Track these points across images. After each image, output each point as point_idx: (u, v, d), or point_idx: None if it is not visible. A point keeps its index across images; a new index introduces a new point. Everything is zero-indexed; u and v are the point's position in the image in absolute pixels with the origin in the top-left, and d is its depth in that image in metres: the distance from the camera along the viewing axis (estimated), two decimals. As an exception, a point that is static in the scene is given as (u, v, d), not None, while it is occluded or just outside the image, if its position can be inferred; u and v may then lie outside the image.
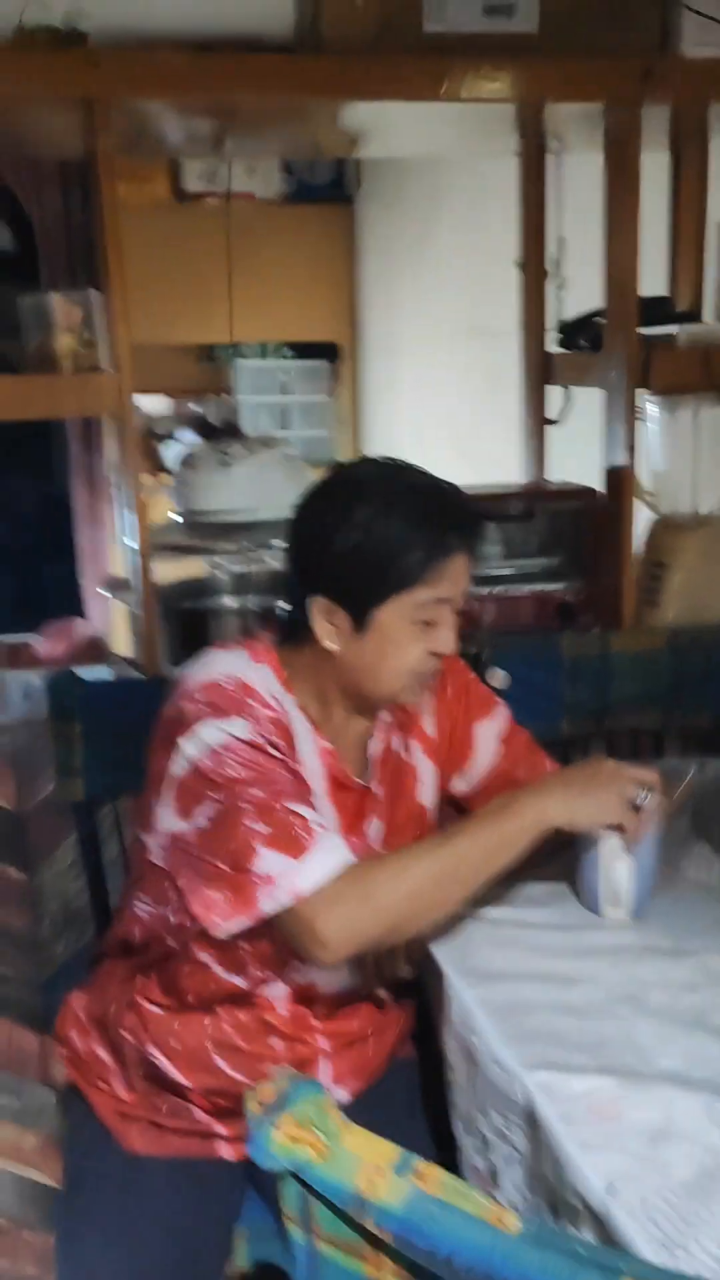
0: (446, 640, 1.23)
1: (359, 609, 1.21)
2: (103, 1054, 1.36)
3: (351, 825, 1.30)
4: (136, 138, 1.87)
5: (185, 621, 1.92)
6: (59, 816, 1.68)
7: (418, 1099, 1.36)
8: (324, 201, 4.47)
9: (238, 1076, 1.29)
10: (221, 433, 4.74)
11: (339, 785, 1.29)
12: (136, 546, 1.70)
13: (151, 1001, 1.31)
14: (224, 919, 1.15)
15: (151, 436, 4.69)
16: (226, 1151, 1.31)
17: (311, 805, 1.19)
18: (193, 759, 1.19)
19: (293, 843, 1.13)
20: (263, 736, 1.19)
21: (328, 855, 1.13)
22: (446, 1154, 1.20)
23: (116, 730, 1.59)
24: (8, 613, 5.58)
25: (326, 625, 1.23)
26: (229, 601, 2.02)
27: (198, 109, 1.68)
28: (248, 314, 4.51)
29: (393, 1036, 1.38)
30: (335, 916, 1.11)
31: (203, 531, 1.83)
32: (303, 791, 1.20)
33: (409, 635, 1.21)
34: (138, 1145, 1.30)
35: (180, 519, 1.89)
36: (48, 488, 6.14)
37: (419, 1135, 1.29)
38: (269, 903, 1.12)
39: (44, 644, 1.74)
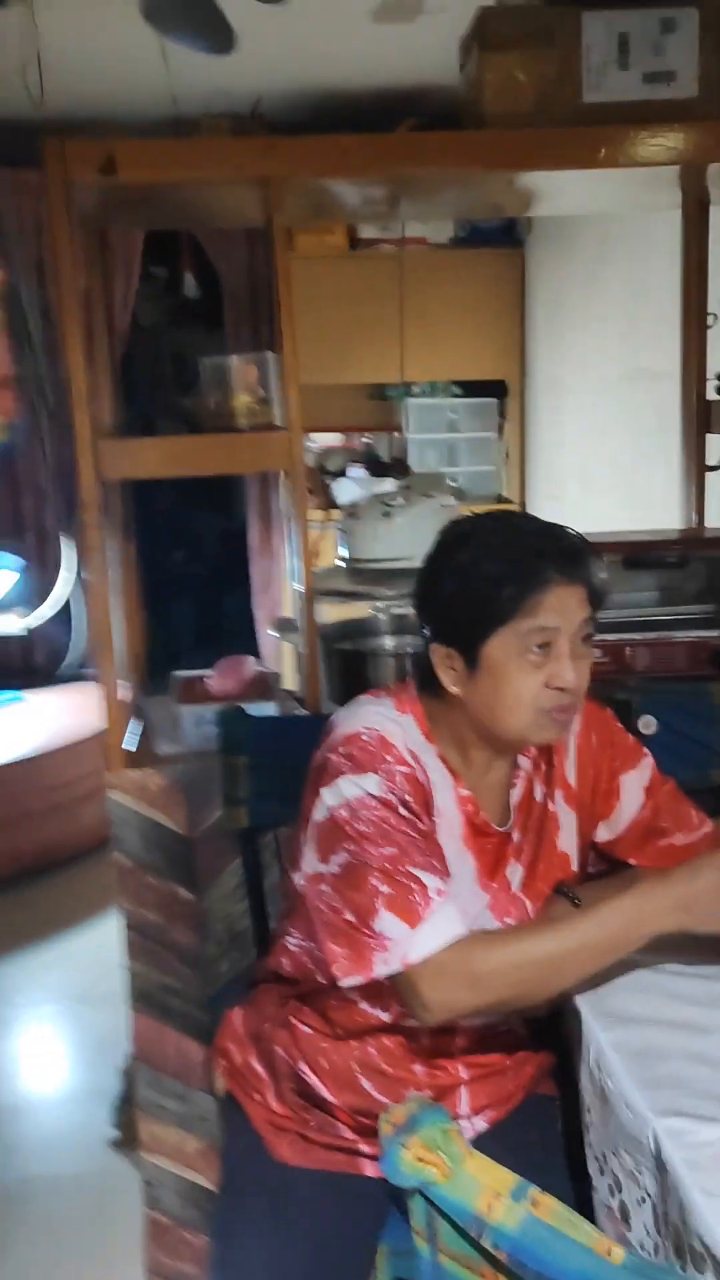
0: (562, 673, 1.25)
1: (468, 648, 1.27)
2: (258, 1067, 1.45)
3: (491, 871, 1.35)
4: (315, 208, 2.00)
5: (344, 661, 2.01)
6: (225, 842, 1.80)
7: (556, 1135, 1.39)
8: (495, 245, 4.55)
9: (382, 1098, 1.36)
10: (391, 469, 4.88)
11: (478, 831, 1.34)
12: (302, 590, 1.80)
13: (303, 1023, 1.40)
14: (343, 974, 1.24)
15: (324, 473, 4.86)
16: (371, 1169, 1.38)
17: (437, 867, 1.25)
18: (330, 809, 1.28)
19: (410, 909, 1.21)
20: (395, 794, 1.27)
21: (440, 927, 1.20)
22: (583, 1191, 1.24)
23: (279, 764, 1.69)
24: (190, 641, 5.89)
25: (447, 670, 1.30)
26: (388, 643, 2.11)
27: (370, 182, 1.79)
28: (418, 354, 4.64)
29: (532, 1070, 1.42)
30: (438, 988, 1.20)
31: (364, 576, 1.92)
32: (429, 852, 1.26)
33: (519, 668, 1.25)
34: (288, 1156, 1.38)
35: (343, 564, 1.99)
36: (228, 523, 6.44)
37: (555, 1170, 1.32)
38: (382, 967, 1.21)
39: (216, 679, 1.86)
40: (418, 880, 1.23)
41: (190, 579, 6.41)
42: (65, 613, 4.23)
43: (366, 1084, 1.36)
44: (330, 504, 4.63)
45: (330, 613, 2.04)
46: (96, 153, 1.56)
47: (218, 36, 2.60)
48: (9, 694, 3.89)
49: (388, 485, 4.63)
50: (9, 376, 3.00)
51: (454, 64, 1.78)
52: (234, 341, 4.60)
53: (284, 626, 2.04)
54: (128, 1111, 2.34)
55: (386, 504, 1.89)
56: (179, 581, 6.25)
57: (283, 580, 4.85)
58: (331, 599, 1.90)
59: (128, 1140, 2.30)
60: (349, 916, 1.25)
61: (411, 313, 4.60)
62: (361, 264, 4.54)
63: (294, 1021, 1.41)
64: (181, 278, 4.67)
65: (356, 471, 4.83)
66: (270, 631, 2.11)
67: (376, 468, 4.91)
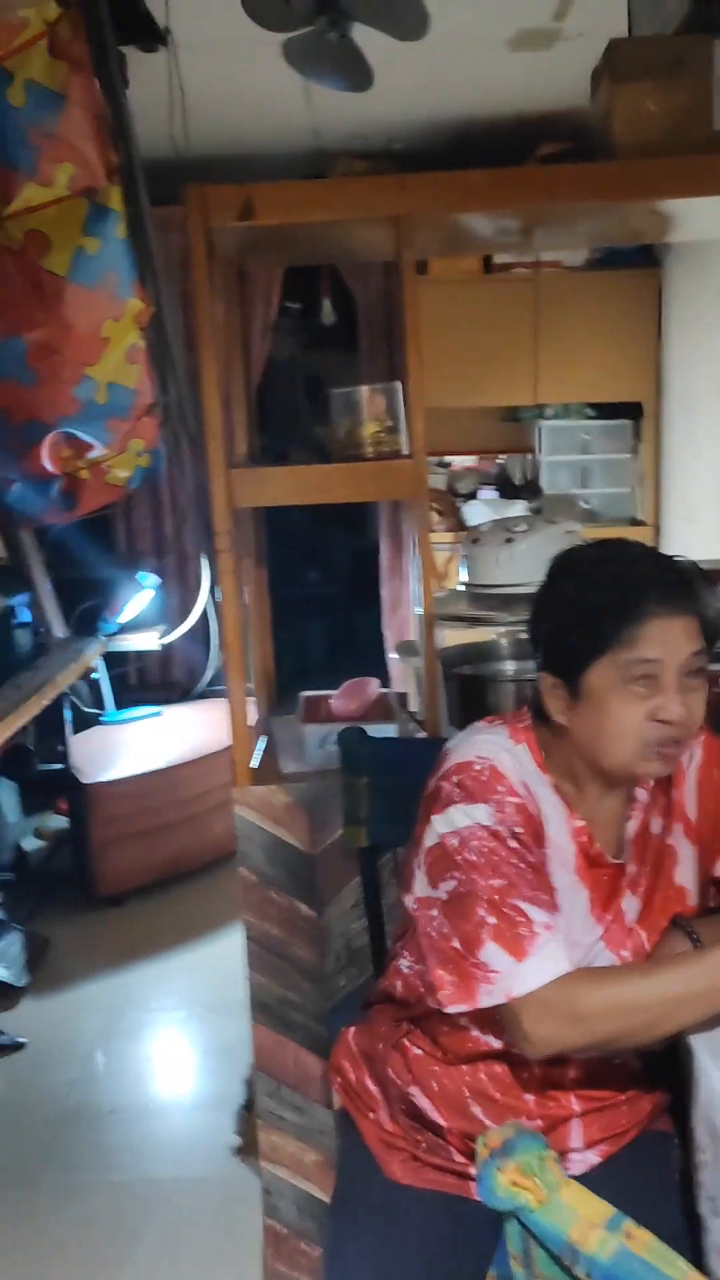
0: (668, 705, 1.23)
1: (571, 677, 1.27)
2: (371, 1086, 1.48)
3: (605, 903, 1.34)
4: (449, 240, 2.04)
5: (463, 686, 2.03)
6: (345, 860, 1.84)
7: (670, 1173, 1.37)
8: (632, 266, 4.51)
9: (491, 1125, 1.36)
10: (522, 491, 4.87)
11: (592, 863, 1.34)
12: (423, 613, 1.83)
13: (415, 1046, 1.42)
14: (449, 1002, 1.26)
15: (455, 496, 4.89)
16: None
17: (544, 900, 1.25)
18: (441, 836, 1.30)
19: (516, 942, 1.22)
20: (505, 826, 1.28)
21: (546, 962, 1.21)
22: (697, 1231, 1.22)
23: (398, 785, 1.72)
24: (319, 661, 5.99)
25: (554, 699, 1.30)
26: (508, 668, 2.11)
27: (504, 215, 1.81)
28: (552, 376, 4.63)
29: (647, 1107, 1.40)
30: (542, 1023, 1.20)
31: (486, 601, 1.94)
32: (538, 885, 1.26)
33: (622, 699, 1.24)
34: (399, 1174, 1.40)
35: (465, 588, 2.01)
36: (360, 544, 6.54)
37: (667, 1209, 1.30)
38: (487, 998, 1.23)
39: (339, 700, 1.91)
40: (524, 913, 1.24)
41: (321, 599, 6.53)
42: (203, 630, 4.38)
43: (477, 1110, 1.37)
44: (461, 526, 4.65)
45: (453, 637, 2.06)
46: (235, 198, 1.63)
47: (356, 75, 2.68)
48: (148, 709, 4.04)
49: (519, 508, 4.63)
50: (153, 404, 3.12)
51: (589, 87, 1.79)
52: (368, 367, 4.68)
53: (406, 649, 2.08)
54: (249, 1119, 2.40)
55: (509, 530, 1.90)
56: (310, 602, 6.38)
57: (410, 601, 4.90)
58: (453, 623, 1.92)
59: (249, 1148, 2.36)
60: (456, 944, 1.27)
61: (546, 335, 4.59)
62: (496, 287, 4.56)
63: (406, 1044, 1.43)
64: (320, 304, 4.79)
65: (488, 493, 4.84)
66: (392, 654, 2.14)
67: (508, 490, 4.91)
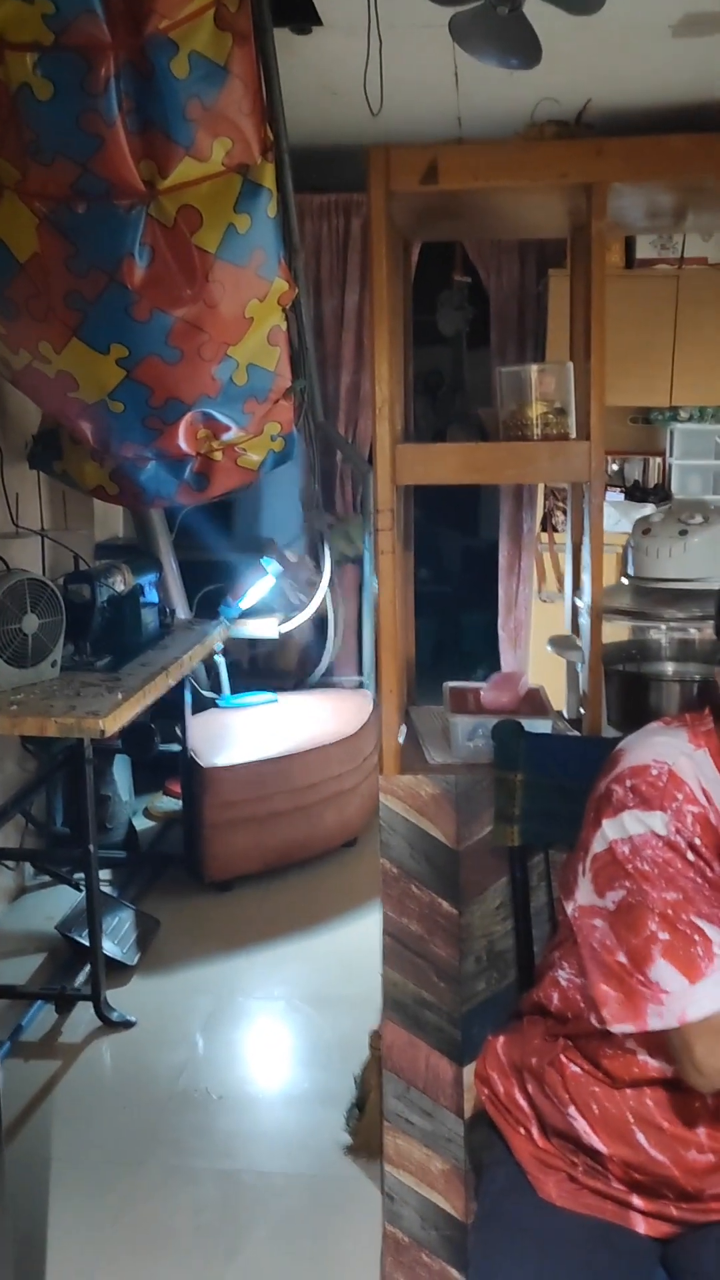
0: None
1: None
2: (521, 1100, 1.40)
3: None
4: (626, 213, 1.94)
5: (623, 684, 1.93)
6: (492, 858, 1.76)
7: None
8: (782, 263, 4.32)
9: (658, 1155, 1.28)
10: (651, 495, 4.71)
11: None
12: (588, 607, 1.74)
13: (574, 1064, 1.34)
14: (614, 1020, 1.19)
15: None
16: (642, 1225, 1.29)
17: None
18: (611, 842, 1.23)
19: (691, 962, 1.14)
20: (683, 836, 1.19)
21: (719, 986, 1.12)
22: None
23: (556, 783, 1.64)
24: (428, 657, 5.91)
25: None
26: (669, 668, 2.01)
27: (688, 186, 1.71)
28: (690, 377, 4.47)
29: None
30: (716, 1053, 1.13)
31: (653, 596, 1.84)
32: (717, 903, 1.18)
33: None
34: (554, 1195, 1.32)
35: (630, 582, 1.91)
36: (472, 541, 6.45)
37: None
38: (656, 1020, 1.15)
39: (489, 692, 1.83)
40: (701, 931, 1.15)
41: (431, 597, 6.45)
42: (319, 620, 4.34)
43: (641, 1138, 1.28)
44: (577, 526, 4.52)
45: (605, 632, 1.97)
46: (420, 160, 1.57)
47: (526, 51, 2.59)
48: (264, 695, 4.02)
49: (648, 510, 4.48)
50: (290, 388, 3.08)
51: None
52: (499, 358, 4.58)
53: (563, 644, 1.99)
54: (362, 1118, 2.34)
55: (683, 521, 1.80)
56: (422, 599, 6.30)
57: (530, 600, 4.79)
58: (615, 618, 1.82)
59: (361, 1147, 2.30)
60: (622, 959, 1.19)
61: (686, 334, 4.43)
62: (637, 283, 4.42)
63: (563, 1060, 1.35)
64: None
65: (614, 495, 4.69)
66: (548, 648, 2.05)
67: (635, 493, 4.76)
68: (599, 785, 1.30)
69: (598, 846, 1.25)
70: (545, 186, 1.62)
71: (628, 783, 1.24)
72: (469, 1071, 1.78)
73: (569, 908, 1.31)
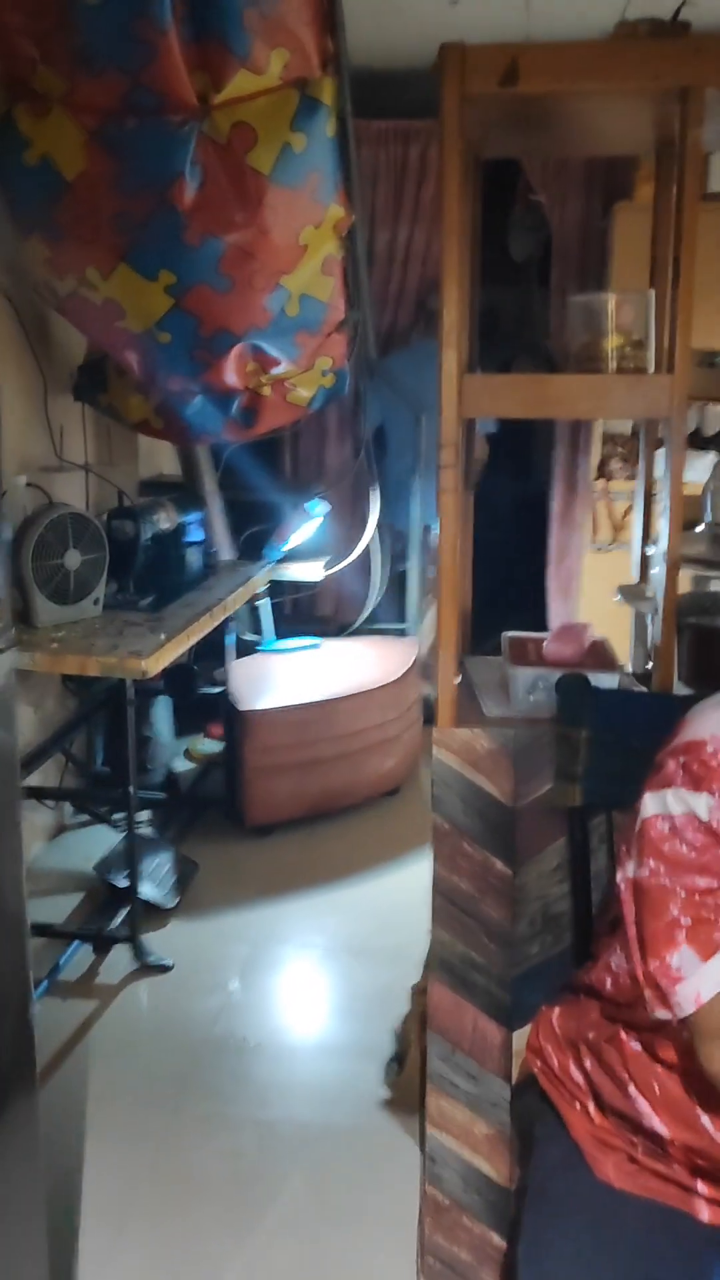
0: None
1: None
2: (578, 1076, 1.33)
3: None
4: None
5: (693, 638, 1.83)
6: (551, 818, 1.67)
7: None
8: None
9: (724, 1139, 1.20)
10: (711, 442, 4.53)
11: None
12: (663, 555, 1.63)
13: (634, 1041, 1.27)
14: (654, 1006, 1.15)
15: (636, 441, 4.59)
16: (705, 1212, 1.22)
17: None
18: (652, 817, 1.17)
19: (708, 943, 1.10)
20: None
21: None
22: None
23: (623, 742, 1.54)
24: (479, 610, 5.80)
25: None
26: (744, 622, 1.89)
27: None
28: (761, 319, 4.26)
29: None
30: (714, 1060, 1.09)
31: (732, 545, 1.72)
32: None
33: None
34: (612, 1176, 1.25)
35: (709, 528, 1.79)
36: (520, 488, 6.27)
37: None
38: (680, 1006, 1.12)
39: (552, 643, 1.73)
40: None
41: (479, 544, 6.30)
42: (363, 564, 4.24)
43: (706, 1122, 1.21)
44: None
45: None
46: (499, 59, 1.44)
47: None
48: (307, 639, 3.94)
49: (709, 459, 4.30)
50: (343, 321, 2.95)
51: None
52: (558, 293, 4.39)
53: (632, 594, 1.88)
54: (401, 1073, 2.29)
55: (769, 466, 1.67)
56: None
57: (582, 550, 4.65)
58: (693, 567, 1.71)
59: (400, 1102, 2.26)
60: (649, 940, 1.15)
61: (758, 273, 4.22)
62: (708, 217, 4.19)
63: (623, 1039, 1.28)
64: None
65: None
66: (615, 597, 1.94)
67: (697, 440, 4.58)
68: (659, 753, 1.22)
69: (642, 815, 1.19)
70: (634, 91, 1.48)
71: (681, 758, 1.17)
72: (518, 1037, 1.72)
73: (619, 879, 1.23)
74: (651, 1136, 1.25)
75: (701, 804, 1.13)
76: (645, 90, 1.46)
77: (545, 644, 1.79)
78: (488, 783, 1.68)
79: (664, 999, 1.13)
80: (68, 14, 2.31)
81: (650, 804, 1.17)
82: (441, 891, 1.73)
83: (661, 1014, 1.14)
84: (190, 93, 2.43)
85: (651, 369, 1.68)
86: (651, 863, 1.15)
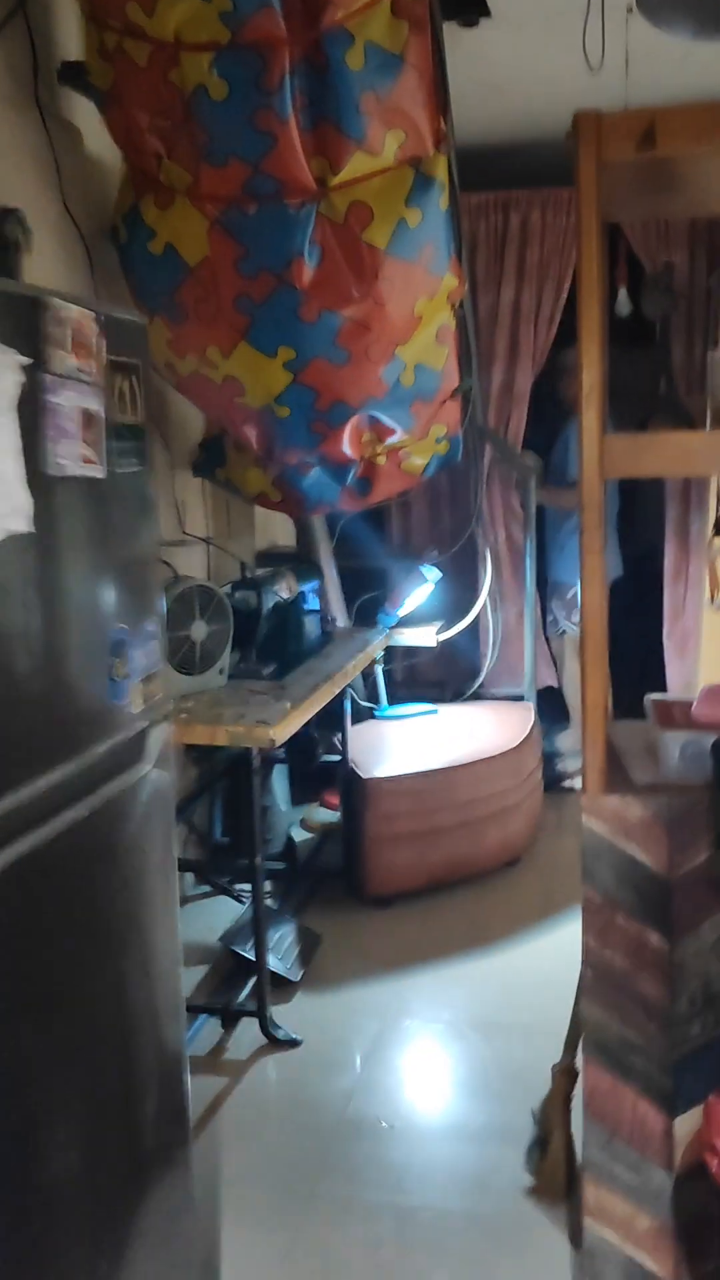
0: None
1: None
2: None
3: None
4: None
5: None
6: (710, 889, 1.60)
7: None
8: None
9: None
10: None
11: None
12: None
13: None
14: None
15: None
16: None
17: None
18: None
19: None
20: None
21: None
22: None
23: (787, 809, 1.48)
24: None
25: None
26: None
27: None
28: None
29: None
30: None
31: None
32: None
33: None
34: None
35: None
36: (633, 549, 6.17)
37: None
38: None
39: (703, 705, 1.67)
40: None
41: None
42: (476, 629, 4.21)
43: None
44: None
45: None
46: (635, 124, 1.44)
47: (717, 18, 2.43)
48: (424, 706, 3.91)
49: None
50: (458, 389, 2.97)
51: None
52: (680, 363, 4.36)
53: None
54: (544, 1158, 2.19)
55: None
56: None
57: (699, 608, 4.54)
58: None
59: (544, 1189, 2.15)
60: None
61: None
62: None
63: None
64: (614, 293, 4.51)
65: None
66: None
67: None
68: None
69: None
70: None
71: None
72: (680, 1123, 1.62)
73: None
74: None
75: None
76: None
77: (694, 706, 1.73)
78: (641, 852, 1.62)
79: None
80: (193, 110, 2.41)
81: None
82: (593, 966, 1.66)
83: None
84: (309, 177, 2.50)
85: None
86: None
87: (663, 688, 4.59)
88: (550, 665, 4.60)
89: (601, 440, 1.53)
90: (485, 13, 3.22)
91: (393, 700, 4.00)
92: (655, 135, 1.44)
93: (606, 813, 1.62)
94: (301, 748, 3.57)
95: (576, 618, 4.76)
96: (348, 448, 3.00)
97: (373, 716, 3.88)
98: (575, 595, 4.73)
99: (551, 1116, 2.19)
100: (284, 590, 2.96)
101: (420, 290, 2.75)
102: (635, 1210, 1.65)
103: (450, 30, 3.25)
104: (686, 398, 4.21)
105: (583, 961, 1.68)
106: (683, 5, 2.34)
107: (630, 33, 3.09)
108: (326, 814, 3.95)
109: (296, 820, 3.94)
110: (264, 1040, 2.71)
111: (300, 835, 3.95)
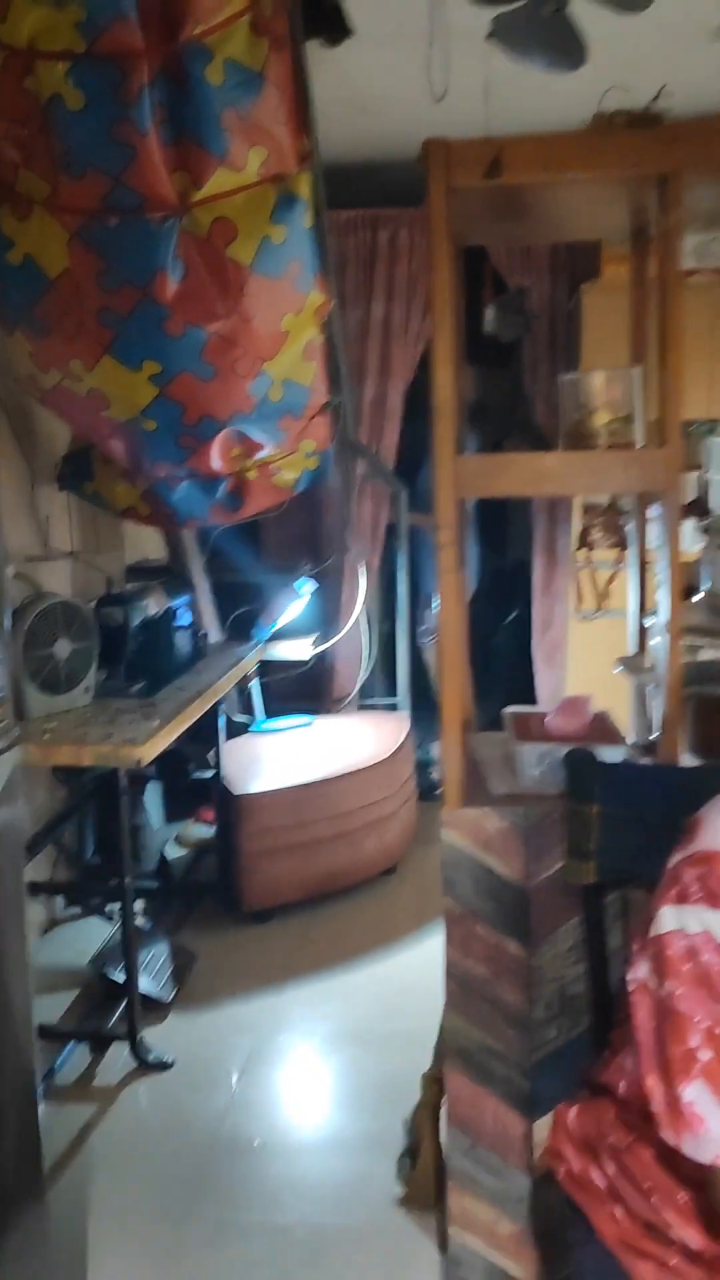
0: None
1: None
2: (600, 1180, 1.28)
3: None
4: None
5: (697, 707, 1.82)
6: (564, 896, 1.64)
7: None
8: None
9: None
10: (692, 509, 4.59)
11: None
12: (664, 626, 1.63)
13: (655, 1151, 1.22)
14: (659, 1124, 1.11)
15: (616, 511, 4.64)
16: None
17: None
18: (668, 933, 1.12)
19: None
20: None
21: None
22: None
23: (635, 816, 1.53)
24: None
25: None
26: (744, 690, 1.89)
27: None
28: (730, 389, 4.36)
29: None
30: None
31: (728, 614, 1.73)
32: None
33: None
34: None
35: (706, 597, 1.80)
36: (499, 561, 6.31)
37: None
38: (690, 1148, 1.07)
39: (556, 718, 1.72)
40: None
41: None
42: (354, 640, 4.24)
43: None
44: (623, 543, 4.41)
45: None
46: (482, 153, 1.48)
47: (570, 52, 2.51)
48: (299, 719, 3.91)
49: (687, 527, 4.36)
50: (326, 404, 2.99)
51: None
52: (530, 375, 4.49)
53: (632, 666, 1.88)
54: (415, 1167, 2.21)
55: (762, 535, 1.69)
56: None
57: (566, 620, 4.67)
58: (692, 637, 1.72)
59: (415, 1198, 2.17)
60: (662, 1064, 1.10)
61: (724, 344, 4.33)
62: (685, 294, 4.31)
63: (642, 1147, 1.24)
64: (481, 312, 4.62)
65: (653, 510, 4.58)
66: (616, 669, 1.94)
67: (694, 509, 4.64)
68: (673, 855, 1.18)
69: (656, 929, 1.15)
70: (614, 179, 1.52)
71: (697, 870, 1.13)
72: (539, 1126, 1.66)
73: (629, 977, 1.20)
74: (683, 1251, 1.20)
75: (718, 923, 1.09)
76: (625, 178, 1.51)
77: (548, 718, 1.78)
78: (499, 862, 1.65)
79: (674, 1128, 1.09)
80: (50, 120, 2.37)
81: (668, 918, 1.13)
82: (455, 976, 1.69)
83: (668, 1137, 1.10)
84: (170, 191, 2.48)
85: (640, 443, 1.70)
86: (670, 983, 1.11)
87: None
88: (425, 674, 4.66)
89: (454, 461, 1.56)
90: (348, 33, 3.26)
91: (269, 714, 3.99)
92: (502, 164, 1.48)
93: (465, 825, 1.65)
94: (174, 764, 3.53)
95: None
96: (217, 462, 2.98)
97: (248, 731, 3.86)
98: None
99: (422, 1125, 2.21)
100: (152, 605, 2.92)
101: (286, 306, 2.76)
102: (498, 1215, 1.68)
103: (314, 49, 3.28)
104: (547, 419, 4.34)
105: (446, 973, 1.70)
106: (534, 37, 2.41)
107: (495, 59, 3.18)
108: (203, 829, 3.91)
109: (171, 837, 3.90)
110: (135, 1064, 2.66)
111: (176, 852, 3.91)
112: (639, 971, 1.17)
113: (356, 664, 4.33)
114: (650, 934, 1.15)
